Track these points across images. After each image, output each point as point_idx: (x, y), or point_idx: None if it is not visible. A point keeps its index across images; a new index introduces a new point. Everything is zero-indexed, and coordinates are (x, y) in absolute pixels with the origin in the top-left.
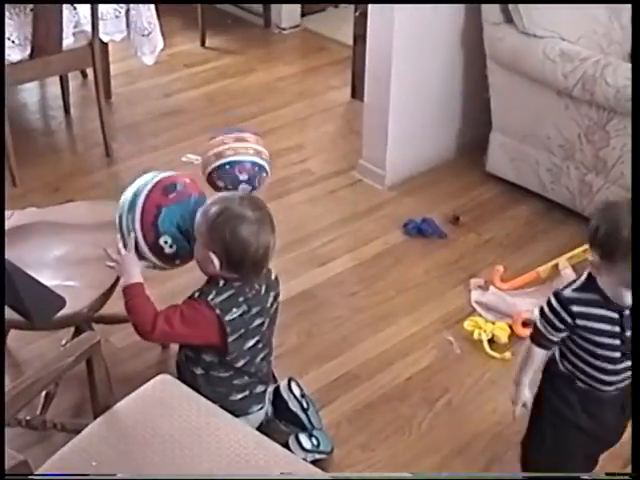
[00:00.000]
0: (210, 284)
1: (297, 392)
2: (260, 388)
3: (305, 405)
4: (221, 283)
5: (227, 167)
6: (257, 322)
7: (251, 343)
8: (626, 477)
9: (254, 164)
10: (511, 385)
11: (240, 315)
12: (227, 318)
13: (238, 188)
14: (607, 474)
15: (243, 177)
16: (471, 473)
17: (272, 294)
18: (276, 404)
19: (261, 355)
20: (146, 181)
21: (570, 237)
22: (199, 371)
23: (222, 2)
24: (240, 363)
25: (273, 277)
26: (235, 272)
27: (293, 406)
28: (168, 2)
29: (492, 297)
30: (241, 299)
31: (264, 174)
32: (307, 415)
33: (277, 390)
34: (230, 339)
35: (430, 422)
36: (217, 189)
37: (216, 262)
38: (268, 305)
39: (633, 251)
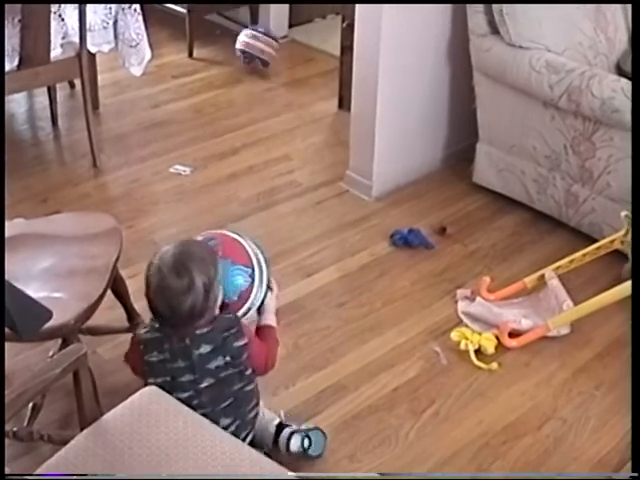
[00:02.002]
0: (153, 320)
1: (295, 448)
2: None
3: (306, 446)
4: (157, 324)
5: None
6: (188, 378)
7: (182, 396)
8: (626, 477)
9: None
10: (498, 396)
11: (160, 361)
12: (146, 358)
13: None
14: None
15: None
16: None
17: (221, 357)
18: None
19: (199, 412)
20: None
21: (556, 247)
22: None
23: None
24: None
25: (225, 335)
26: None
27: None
28: (162, 2)
29: (479, 308)
30: (166, 346)
31: None
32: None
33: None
34: (151, 380)
35: (417, 433)
36: None
37: None
38: (210, 366)
39: (633, 250)
